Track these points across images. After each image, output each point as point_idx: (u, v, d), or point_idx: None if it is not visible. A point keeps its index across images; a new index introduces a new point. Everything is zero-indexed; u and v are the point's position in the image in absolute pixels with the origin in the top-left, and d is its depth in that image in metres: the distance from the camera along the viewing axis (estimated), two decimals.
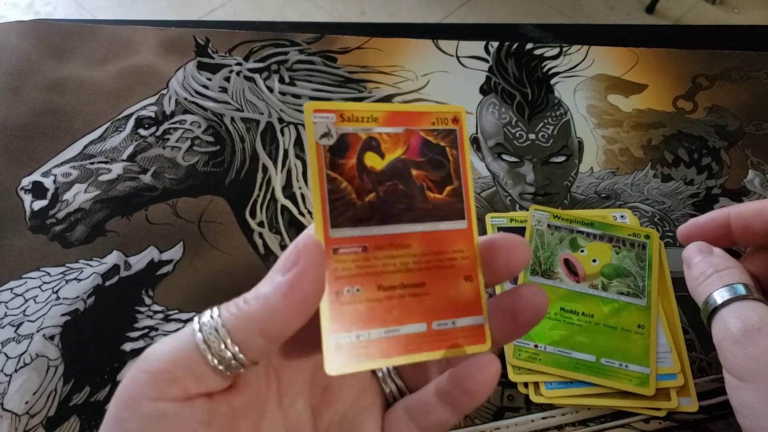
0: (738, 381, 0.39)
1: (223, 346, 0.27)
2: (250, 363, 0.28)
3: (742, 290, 0.41)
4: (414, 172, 0.40)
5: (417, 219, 0.39)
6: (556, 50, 0.76)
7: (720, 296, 0.42)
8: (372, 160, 0.39)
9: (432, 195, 0.40)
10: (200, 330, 0.27)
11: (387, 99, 0.70)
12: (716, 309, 0.42)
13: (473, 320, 0.37)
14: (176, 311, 0.54)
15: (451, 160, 0.40)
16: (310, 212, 0.61)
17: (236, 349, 0.27)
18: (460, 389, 0.31)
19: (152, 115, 0.67)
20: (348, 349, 0.34)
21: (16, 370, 0.50)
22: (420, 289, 0.38)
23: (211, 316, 0.28)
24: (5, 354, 0.51)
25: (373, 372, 0.37)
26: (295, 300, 0.27)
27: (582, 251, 0.57)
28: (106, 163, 0.63)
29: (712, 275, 0.44)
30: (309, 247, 0.29)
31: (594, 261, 0.56)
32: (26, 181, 0.61)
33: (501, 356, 0.51)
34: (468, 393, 0.31)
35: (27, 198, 0.60)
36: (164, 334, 0.52)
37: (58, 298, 0.54)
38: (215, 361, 0.27)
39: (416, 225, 0.39)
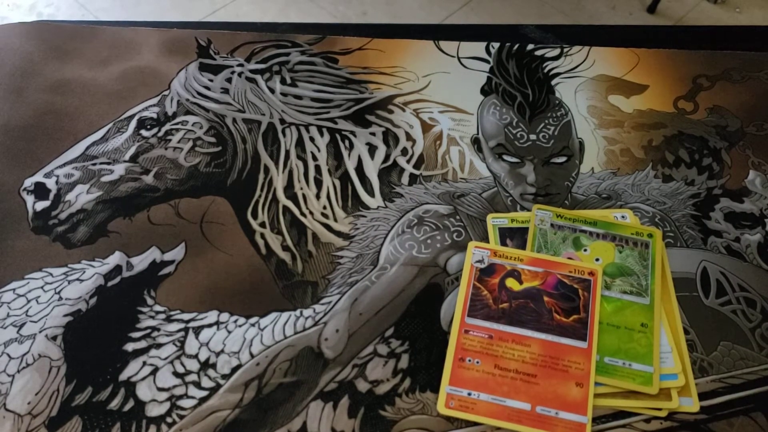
0: None
1: None
2: None
3: None
4: (546, 298, 0.52)
5: (540, 330, 0.51)
6: (557, 51, 0.76)
7: None
8: (512, 284, 0.53)
9: (558, 317, 0.51)
10: None
11: (388, 99, 0.70)
12: None
13: (577, 417, 0.47)
14: (178, 311, 0.54)
15: (582, 298, 0.52)
16: (311, 212, 0.61)
17: None
18: None
19: (154, 116, 0.67)
20: (459, 400, 0.47)
21: (18, 371, 0.50)
22: (531, 378, 0.49)
23: None
24: (8, 354, 0.51)
25: None
26: None
27: (585, 250, 0.57)
28: (109, 164, 0.63)
29: None
30: None
31: (597, 260, 0.56)
32: (29, 182, 0.62)
33: None
34: None
35: (29, 199, 0.60)
36: (166, 335, 0.52)
37: (60, 298, 0.54)
38: None
39: (539, 333, 0.51)
